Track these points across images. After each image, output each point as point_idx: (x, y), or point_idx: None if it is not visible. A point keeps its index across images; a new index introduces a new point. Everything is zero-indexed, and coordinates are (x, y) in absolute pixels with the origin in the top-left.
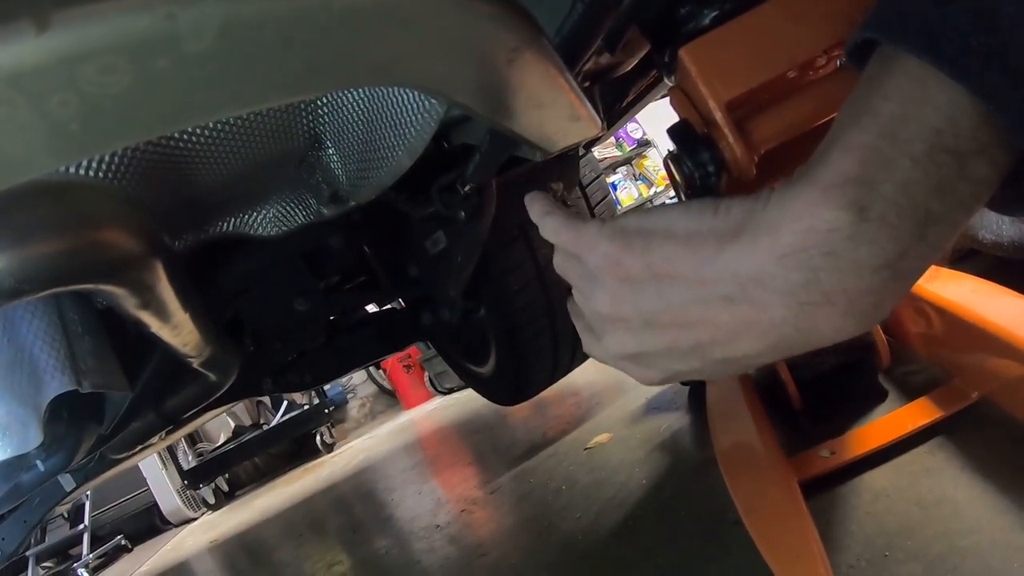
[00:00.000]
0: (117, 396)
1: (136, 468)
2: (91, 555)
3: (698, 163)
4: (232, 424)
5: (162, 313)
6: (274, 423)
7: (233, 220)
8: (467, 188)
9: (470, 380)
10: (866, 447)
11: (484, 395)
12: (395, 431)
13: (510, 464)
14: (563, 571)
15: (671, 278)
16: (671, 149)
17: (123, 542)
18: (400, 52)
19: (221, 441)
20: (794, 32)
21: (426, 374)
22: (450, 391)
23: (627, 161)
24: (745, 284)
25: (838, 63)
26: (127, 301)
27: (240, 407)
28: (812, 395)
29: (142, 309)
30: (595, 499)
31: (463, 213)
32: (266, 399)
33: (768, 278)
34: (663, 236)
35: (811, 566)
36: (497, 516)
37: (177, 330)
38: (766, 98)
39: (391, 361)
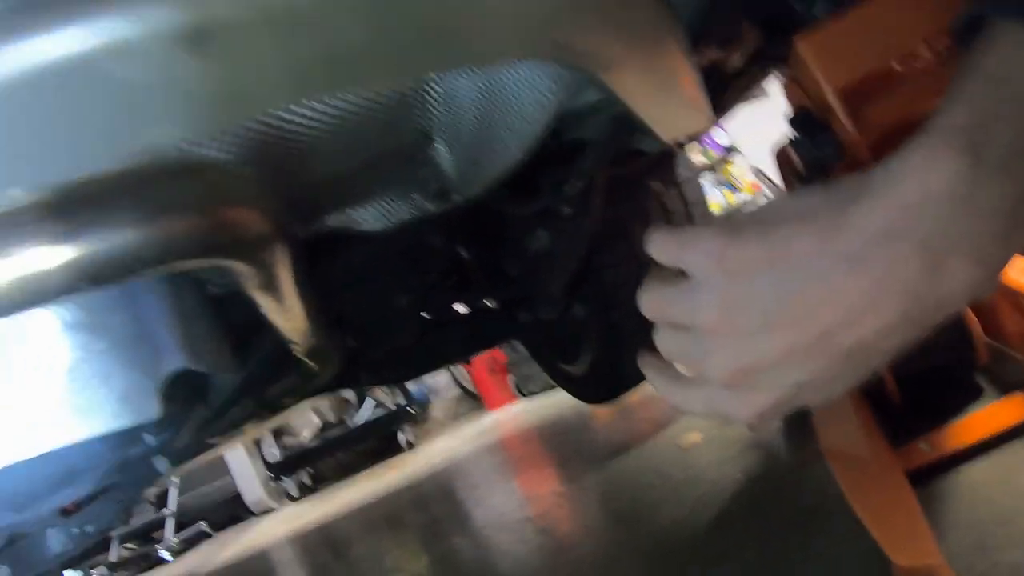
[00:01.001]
0: (223, 380)
1: (221, 458)
2: (174, 539)
3: (818, 146)
4: (318, 421)
5: (279, 296)
6: (359, 421)
7: (343, 213)
8: (575, 184)
9: (561, 379)
10: (963, 441)
11: (575, 394)
12: (478, 432)
13: (599, 462)
14: (657, 562)
15: (788, 260)
16: (792, 137)
17: (205, 528)
18: (575, 28)
19: (306, 436)
20: (902, 20)
21: (510, 377)
22: (533, 394)
23: (712, 167)
24: (871, 241)
25: (943, 51)
26: (250, 280)
27: (325, 405)
28: (910, 391)
29: (262, 290)
30: (687, 495)
31: (569, 210)
32: (351, 398)
33: (896, 230)
34: (778, 219)
35: (923, 545)
36: (587, 510)
37: (289, 315)
38: (877, 85)
39: (476, 363)
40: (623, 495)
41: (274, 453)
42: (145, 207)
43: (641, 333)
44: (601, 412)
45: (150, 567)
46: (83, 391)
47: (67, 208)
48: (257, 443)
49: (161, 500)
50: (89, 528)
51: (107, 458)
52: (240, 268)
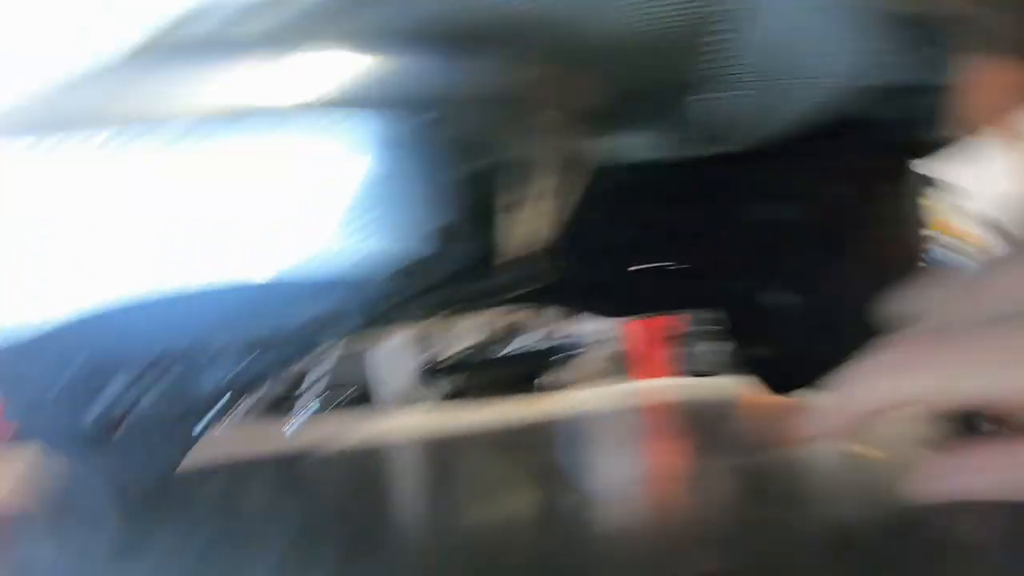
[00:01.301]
0: (452, 256)
1: (371, 346)
2: (312, 402)
3: None
4: (469, 339)
5: (545, 188)
6: (509, 351)
7: (611, 138)
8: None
9: (748, 360)
10: None
11: (760, 377)
12: (620, 395)
13: (742, 453)
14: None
15: None
16: None
17: (351, 393)
18: None
19: (455, 350)
20: None
21: (676, 350)
22: (700, 374)
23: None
24: None
25: None
26: (537, 165)
27: (480, 325)
28: None
29: (541, 176)
30: (825, 508)
31: (822, 189)
32: (507, 325)
33: None
34: None
35: None
36: (708, 496)
37: (538, 211)
38: None
39: (636, 327)
40: (755, 488)
41: (422, 357)
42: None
43: (854, 326)
44: (761, 405)
45: (277, 421)
46: (361, 215)
47: None
48: (408, 343)
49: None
50: (256, 370)
51: (314, 303)
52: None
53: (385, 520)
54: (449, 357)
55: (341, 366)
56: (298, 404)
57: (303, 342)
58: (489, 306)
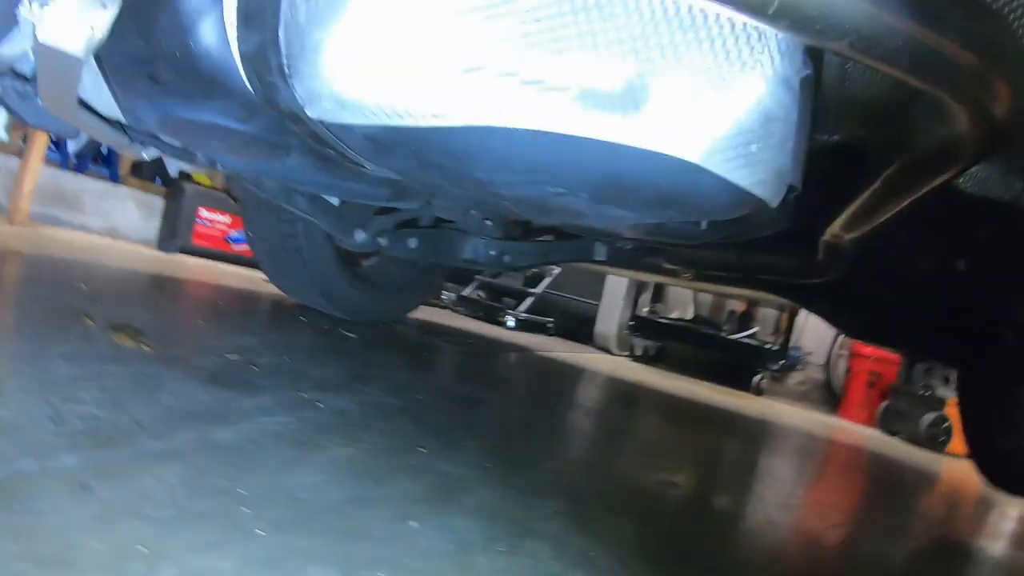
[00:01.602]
0: (775, 220)
1: (599, 285)
2: (523, 314)
3: None
4: (693, 311)
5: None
6: (731, 336)
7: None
8: None
9: (979, 447)
10: None
11: (983, 470)
12: (821, 424)
13: (931, 523)
14: None
15: None
16: None
17: (549, 325)
18: None
19: (674, 316)
20: None
21: (884, 404)
22: (892, 434)
23: None
24: None
25: None
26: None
27: (707, 302)
28: None
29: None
30: None
31: None
32: (735, 309)
33: None
34: None
35: None
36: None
37: (863, 205)
38: None
39: (858, 367)
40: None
41: (643, 310)
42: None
43: None
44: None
45: (486, 320)
46: (755, 144)
47: None
48: (638, 290)
49: (531, 280)
50: (508, 258)
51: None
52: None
53: (546, 428)
54: (663, 319)
55: (546, 299)
56: (509, 317)
57: (584, 242)
58: (750, 285)
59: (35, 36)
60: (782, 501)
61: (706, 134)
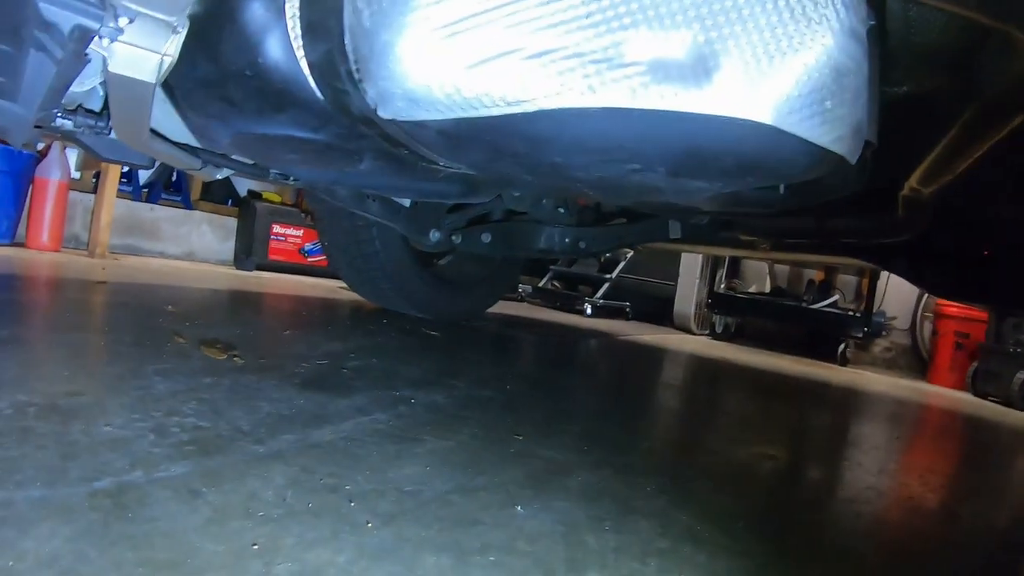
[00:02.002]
0: (850, 179)
1: (674, 265)
2: (600, 299)
3: None
4: (770, 283)
5: (965, 136)
6: (812, 306)
7: None
8: None
9: None
10: None
11: None
12: (911, 391)
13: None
14: None
15: None
16: None
17: (627, 309)
18: None
19: (752, 290)
20: None
21: (973, 366)
22: (986, 396)
23: None
24: None
25: None
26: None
27: (784, 272)
28: None
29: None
30: None
31: None
32: (812, 278)
33: None
34: None
35: None
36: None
37: (941, 156)
38: None
39: (945, 330)
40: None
41: (720, 287)
42: None
43: None
44: None
45: (563, 309)
46: (829, 100)
47: None
48: (713, 267)
49: (605, 266)
50: (583, 244)
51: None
52: None
53: (636, 409)
54: (752, 294)
55: (621, 283)
56: (587, 304)
57: (659, 222)
58: (828, 251)
59: (106, 69)
60: (879, 467)
61: (780, 95)
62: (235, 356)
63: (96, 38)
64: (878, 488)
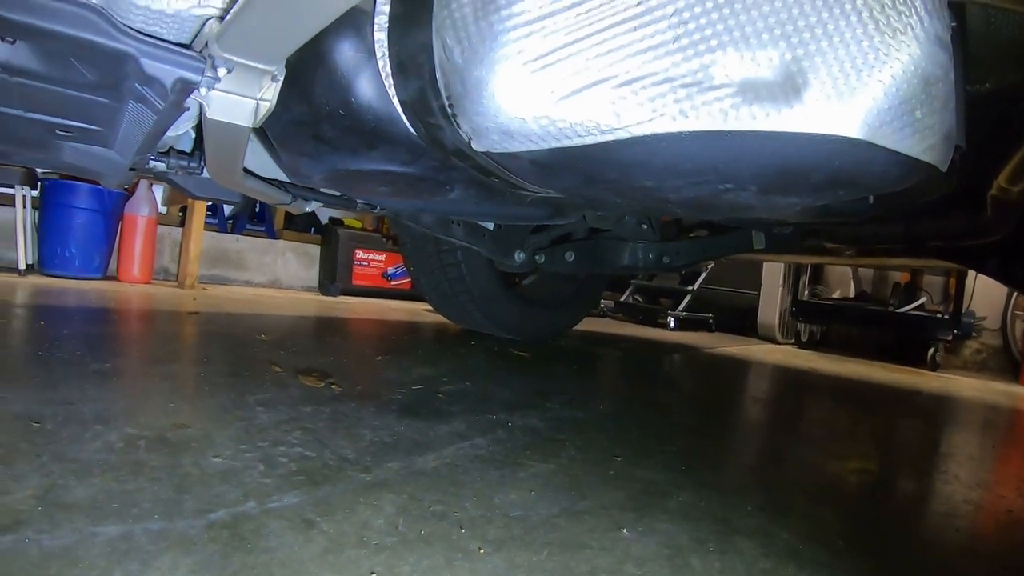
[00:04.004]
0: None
1: (756, 273)
2: (683, 312)
3: None
4: (854, 288)
5: None
6: (898, 310)
7: None
8: None
9: None
10: None
11: None
12: (999, 395)
13: None
14: None
15: None
16: None
17: (710, 321)
18: None
19: (836, 295)
20: None
21: None
22: None
23: None
24: None
25: None
26: None
27: (868, 276)
28: None
29: None
30: None
31: None
32: (898, 280)
33: None
34: None
35: None
36: None
37: None
38: None
39: None
40: None
41: (804, 294)
42: None
43: None
44: None
45: (645, 323)
46: (919, 110)
47: None
48: (796, 274)
49: (686, 278)
50: (667, 259)
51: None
52: None
53: (727, 425)
54: (837, 299)
55: (703, 295)
56: (670, 318)
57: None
58: (914, 254)
59: (204, 115)
60: (976, 480)
61: (870, 108)
62: (332, 384)
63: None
64: (975, 502)
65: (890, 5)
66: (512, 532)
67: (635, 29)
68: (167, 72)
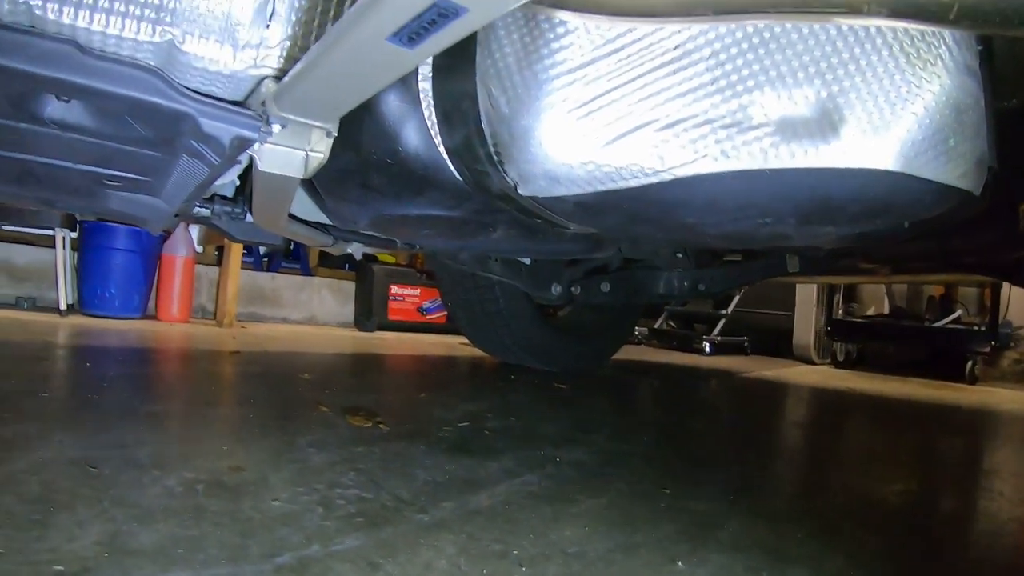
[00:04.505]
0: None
1: (789, 294)
2: (717, 336)
3: None
4: (888, 305)
5: None
6: (934, 325)
7: None
8: None
9: None
10: None
11: None
12: None
13: None
14: None
15: None
16: None
17: (745, 344)
18: None
19: (871, 312)
20: None
21: None
22: None
23: None
24: None
25: None
26: None
27: (901, 292)
28: None
29: None
30: None
31: None
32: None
33: None
34: None
35: None
36: None
37: None
38: None
39: None
40: None
41: (838, 313)
42: None
43: None
44: None
45: (680, 348)
46: (952, 138)
47: None
48: (829, 294)
49: (719, 302)
50: (703, 286)
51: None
52: None
53: (771, 451)
54: (871, 317)
55: (737, 318)
56: (705, 343)
57: (774, 261)
58: (948, 269)
59: (256, 167)
60: (1021, 495)
61: (905, 140)
62: (379, 423)
63: None
64: (1021, 519)
65: (919, 37)
66: (572, 569)
67: (674, 72)
68: (225, 131)
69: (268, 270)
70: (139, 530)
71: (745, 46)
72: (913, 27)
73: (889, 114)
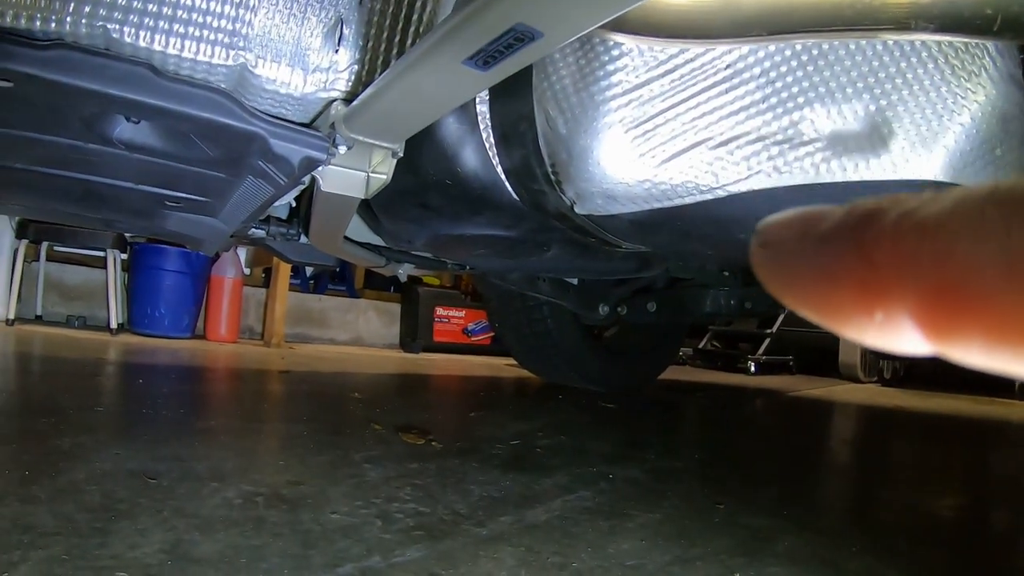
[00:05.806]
0: None
1: None
2: (763, 356)
3: None
4: None
5: None
6: None
7: None
8: None
9: None
10: None
11: None
12: None
13: None
14: None
15: None
16: None
17: (790, 363)
18: None
19: None
20: None
21: None
22: None
23: None
24: None
25: None
26: None
27: None
28: None
29: None
30: None
31: None
32: None
33: None
34: None
35: None
36: None
37: None
38: None
39: None
40: None
41: None
42: None
43: None
44: None
45: (724, 368)
46: (999, 147)
47: None
48: None
49: (765, 321)
50: (749, 304)
51: None
52: None
53: (822, 467)
54: None
55: (782, 337)
56: (750, 362)
57: None
58: None
59: (318, 188)
60: None
61: (953, 151)
62: (432, 441)
63: None
64: None
65: (963, 49)
66: None
67: (726, 91)
68: (295, 151)
69: (315, 292)
70: (201, 539)
71: (795, 64)
72: (957, 40)
73: (936, 126)
